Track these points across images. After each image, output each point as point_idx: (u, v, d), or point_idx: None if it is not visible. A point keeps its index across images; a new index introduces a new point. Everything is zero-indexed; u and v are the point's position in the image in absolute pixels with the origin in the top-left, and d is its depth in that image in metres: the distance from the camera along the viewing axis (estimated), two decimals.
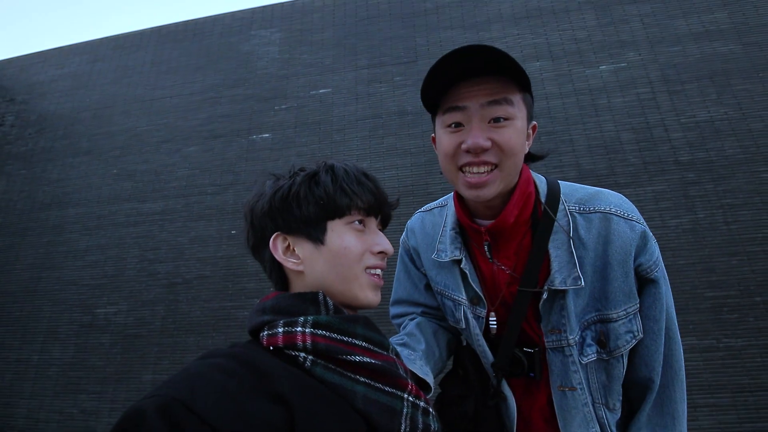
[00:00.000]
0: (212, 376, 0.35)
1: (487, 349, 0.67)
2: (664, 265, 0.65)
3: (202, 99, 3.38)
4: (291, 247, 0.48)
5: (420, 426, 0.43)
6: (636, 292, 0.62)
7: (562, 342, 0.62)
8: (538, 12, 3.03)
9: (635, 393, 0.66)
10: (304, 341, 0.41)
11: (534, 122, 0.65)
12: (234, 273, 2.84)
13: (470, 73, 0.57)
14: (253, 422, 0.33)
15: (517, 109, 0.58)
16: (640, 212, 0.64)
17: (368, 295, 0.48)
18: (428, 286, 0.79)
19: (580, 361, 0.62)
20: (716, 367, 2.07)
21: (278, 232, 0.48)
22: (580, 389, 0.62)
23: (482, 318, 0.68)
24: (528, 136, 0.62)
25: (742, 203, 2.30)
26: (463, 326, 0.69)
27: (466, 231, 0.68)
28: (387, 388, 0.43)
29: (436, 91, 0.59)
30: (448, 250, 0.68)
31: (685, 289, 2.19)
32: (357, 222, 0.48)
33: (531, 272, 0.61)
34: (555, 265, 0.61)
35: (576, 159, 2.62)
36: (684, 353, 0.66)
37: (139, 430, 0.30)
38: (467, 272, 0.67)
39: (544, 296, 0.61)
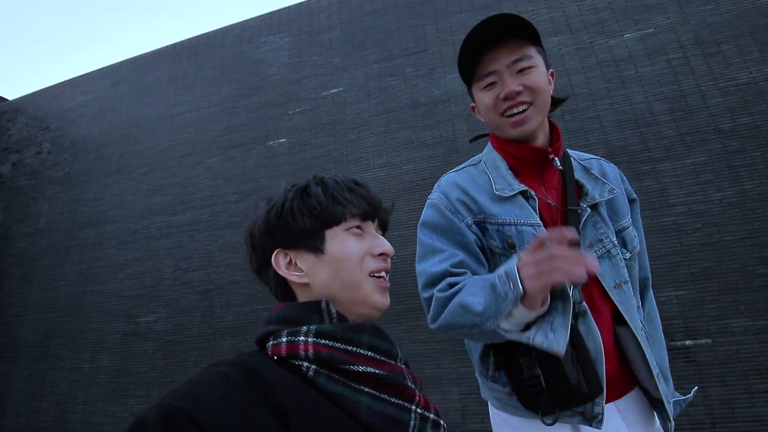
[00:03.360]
0: (216, 385, 0.36)
1: None
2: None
3: (219, 110, 3.46)
4: (293, 262, 0.49)
5: None
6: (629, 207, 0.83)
7: (607, 246, 0.75)
8: None
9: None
10: (306, 350, 0.41)
11: (551, 69, 0.79)
12: None
13: (490, 43, 0.72)
14: None
15: (536, 59, 0.73)
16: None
17: (376, 298, 0.48)
18: (476, 244, 0.76)
19: (624, 258, 0.76)
20: None
21: (278, 249, 0.49)
22: (631, 281, 0.75)
23: None
24: (549, 81, 0.77)
25: None
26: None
27: (518, 170, 0.80)
28: (393, 399, 0.42)
29: (468, 64, 0.74)
30: (512, 185, 0.77)
31: (735, 267, 2.02)
32: (355, 228, 0.49)
33: (572, 195, 0.76)
34: (588, 186, 0.77)
35: (604, 135, 2.47)
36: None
37: None
38: (535, 199, 0.76)
39: (588, 213, 0.75)
